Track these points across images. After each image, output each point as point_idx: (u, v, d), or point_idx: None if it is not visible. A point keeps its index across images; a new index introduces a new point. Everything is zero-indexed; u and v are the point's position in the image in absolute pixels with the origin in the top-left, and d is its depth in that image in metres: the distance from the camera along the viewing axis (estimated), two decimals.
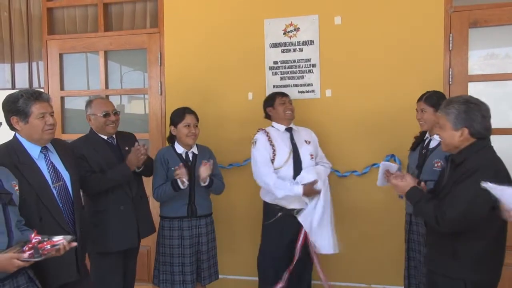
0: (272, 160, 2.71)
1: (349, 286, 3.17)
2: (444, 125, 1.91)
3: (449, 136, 1.91)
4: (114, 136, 2.72)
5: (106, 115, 2.63)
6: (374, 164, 3.05)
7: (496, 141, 3.03)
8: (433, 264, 1.99)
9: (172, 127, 2.75)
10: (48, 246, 1.62)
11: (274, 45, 3.24)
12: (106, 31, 3.64)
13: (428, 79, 2.91)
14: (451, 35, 2.94)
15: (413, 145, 2.67)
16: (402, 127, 2.97)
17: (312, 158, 2.77)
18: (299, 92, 3.20)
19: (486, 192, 1.71)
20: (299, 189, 2.62)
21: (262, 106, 2.88)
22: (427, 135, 2.60)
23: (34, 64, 3.87)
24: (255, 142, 2.76)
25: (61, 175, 2.11)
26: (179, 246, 2.67)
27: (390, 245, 3.04)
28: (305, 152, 2.76)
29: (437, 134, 2.05)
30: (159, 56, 3.50)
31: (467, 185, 1.79)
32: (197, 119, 2.77)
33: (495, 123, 3.11)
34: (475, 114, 1.87)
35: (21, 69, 3.89)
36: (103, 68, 3.65)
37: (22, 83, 3.88)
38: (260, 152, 2.73)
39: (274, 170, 2.70)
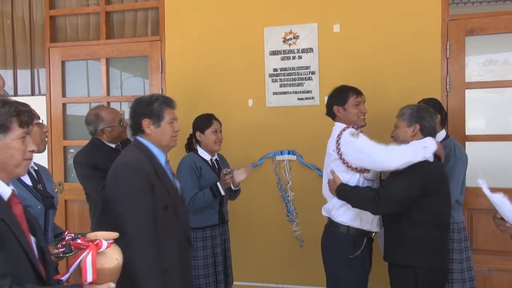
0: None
1: None
2: (400, 124, 2.30)
3: (403, 132, 2.27)
4: (119, 142, 2.68)
5: (121, 122, 2.60)
6: None
7: (495, 147, 3.10)
8: (386, 256, 2.28)
9: (198, 133, 2.70)
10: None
11: (273, 53, 3.28)
12: (108, 39, 3.68)
13: (426, 86, 2.95)
14: (448, 43, 2.98)
15: None
16: None
17: None
18: (298, 99, 3.23)
19: (418, 179, 2.09)
20: (431, 142, 2.16)
21: (327, 101, 2.51)
22: None
23: (36, 71, 3.91)
24: (357, 133, 2.29)
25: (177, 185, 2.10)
26: (212, 255, 2.64)
27: None
28: None
29: (392, 137, 2.34)
30: (160, 63, 3.53)
31: (402, 172, 2.12)
32: (221, 125, 2.77)
33: (493, 129, 3.17)
34: (425, 113, 2.27)
35: (24, 75, 3.93)
36: (105, 75, 3.69)
37: (24, 89, 3.92)
38: (367, 139, 2.25)
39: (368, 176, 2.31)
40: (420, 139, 2.21)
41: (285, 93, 3.25)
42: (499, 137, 3.03)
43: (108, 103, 3.66)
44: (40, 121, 1.70)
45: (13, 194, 1.32)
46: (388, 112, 3.06)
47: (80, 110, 3.83)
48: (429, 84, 2.97)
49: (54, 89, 3.78)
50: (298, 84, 3.24)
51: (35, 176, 1.74)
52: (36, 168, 1.77)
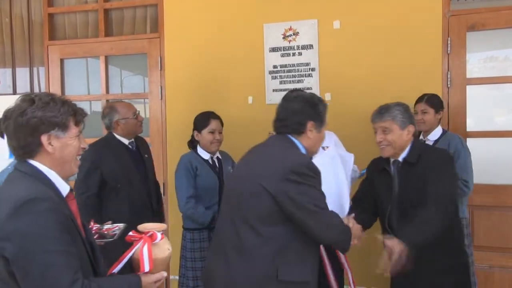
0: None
1: None
2: (391, 128, 2.00)
3: (398, 136, 2.00)
4: (133, 140, 2.68)
5: (136, 115, 2.63)
6: None
7: (495, 144, 3.09)
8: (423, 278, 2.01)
9: (196, 132, 2.64)
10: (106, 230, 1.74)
11: (273, 50, 3.26)
12: (106, 36, 3.67)
13: (426, 82, 2.93)
14: (449, 38, 2.96)
15: None
16: None
17: None
18: None
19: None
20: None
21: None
22: (421, 136, 2.65)
23: (35, 69, 3.90)
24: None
25: None
26: (200, 258, 2.57)
27: None
28: None
29: (380, 140, 2.03)
30: (159, 60, 3.52)
31: (448, 173, 1.97)
32: (222, 124, 2.68)
33: (494, 125, 3.16)
34: (411, 112, 2.09)
35: (22, 74, 3.92)
36: (104, 73, 3.67)
37: (23, 88, 3.90)
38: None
39: None
40: (413, 141, 2.04)
41: (285, 90, 3.23)
42: (500, 133, 3.03)
43: (107, 100, 3.64)
44: None
45: (70, 191, 1.38)
46: None
47: None
48: (430, 80, 2.95)
49: (53, 87, 3.77)
50: (298, 81, 3.23)
51: None
52: None
